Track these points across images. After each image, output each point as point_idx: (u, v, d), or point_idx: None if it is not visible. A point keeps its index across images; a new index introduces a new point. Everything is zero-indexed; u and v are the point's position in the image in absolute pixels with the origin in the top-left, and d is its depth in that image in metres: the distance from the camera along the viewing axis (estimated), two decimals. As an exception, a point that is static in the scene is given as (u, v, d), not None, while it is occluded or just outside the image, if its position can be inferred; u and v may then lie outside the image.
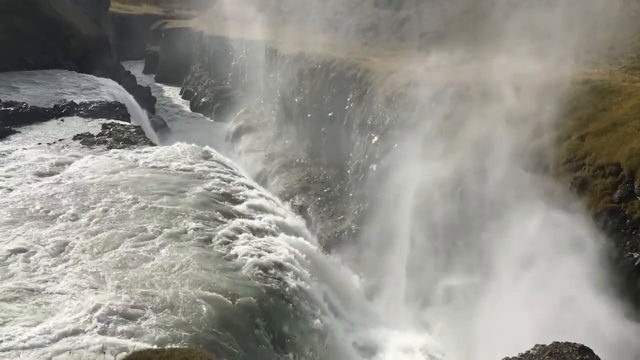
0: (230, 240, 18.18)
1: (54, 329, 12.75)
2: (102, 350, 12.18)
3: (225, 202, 21.27)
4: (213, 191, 21.85)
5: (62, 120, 31.73)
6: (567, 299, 15.65)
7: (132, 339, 12.68)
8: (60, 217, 18.62)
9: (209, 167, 24.62)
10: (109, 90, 42.34)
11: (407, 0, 44.00)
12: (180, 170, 23.72)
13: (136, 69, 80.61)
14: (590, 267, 15.89)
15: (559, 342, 11.03)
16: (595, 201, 17.04)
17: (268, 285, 16.37)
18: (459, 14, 37.12)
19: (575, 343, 10.96)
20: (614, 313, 14.98)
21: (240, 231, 19.02)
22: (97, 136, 28.02)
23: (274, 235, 19.88)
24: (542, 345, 11.13)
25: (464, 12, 36.76)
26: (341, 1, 49.90)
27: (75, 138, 27.60)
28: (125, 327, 13.02)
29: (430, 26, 38.70)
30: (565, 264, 16.28)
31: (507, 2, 32.06)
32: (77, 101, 35.41)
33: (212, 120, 60.37)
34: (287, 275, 17.42)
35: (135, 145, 26.91)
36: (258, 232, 19.50)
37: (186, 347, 12.70)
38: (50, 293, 14.36)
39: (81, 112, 33.16)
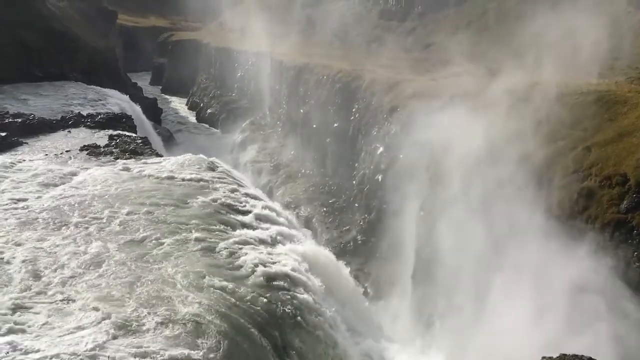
0: (236, 251, 18.15)
1: (58, 340, 12.75)
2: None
3: (231, 213, 21.27)
4: (219, 202, 21.85)
5: (69, 131, 31.89)
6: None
7: (138, 350, 12.65)
8: (66, 227, 18.66)
9: (215, 178, 24.63)
10: (116, 101, 42.57)
11: (412, 12, 44.18)
12: (186, 181, 23.75)
13: (143, 81, 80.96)
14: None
15: (566, 355, 10.95)
16: (602, 212, 16.95)
17: (274, 295, 16.33)
18: (464, 25, 37.23)
19: (582, 355, 10.87)
20: None
21: (246, 242, 18.99)
22: (103, 147, 28.11)
23: (279, 245, 19.84)
24: (549, 358, 11.05)
25: (468, 23, 36.88)
26: (346, 13, 50.14)
27: (82, 149, 27.70)
28: (130, 338, 13.00)
29: (435, 37, 38.82)
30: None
31: (513, 14, 32.17)
32: (84, 112, 35.60)
33: (218, 131, 60.55)
34: (292, 285, 17.36)
35: (141, 157, 26.98)
36: (264, 242, 19.47)
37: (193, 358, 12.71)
38: (56, 303, 14.37)
39: (88, 124, 33.32)
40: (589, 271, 16.07)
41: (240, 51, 59.60)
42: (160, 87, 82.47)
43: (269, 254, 18.57)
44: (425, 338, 22.17)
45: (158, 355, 12.58)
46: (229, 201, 22.20)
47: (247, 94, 59.21)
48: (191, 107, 71.65)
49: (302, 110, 42.26)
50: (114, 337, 13.00)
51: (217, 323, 14.05)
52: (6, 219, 19.09)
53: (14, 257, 16.44)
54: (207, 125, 63.66)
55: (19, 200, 21.00)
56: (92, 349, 12.48)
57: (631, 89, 21.60)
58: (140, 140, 30.17)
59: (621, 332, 14.84)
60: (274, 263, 17.92)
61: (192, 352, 12.96)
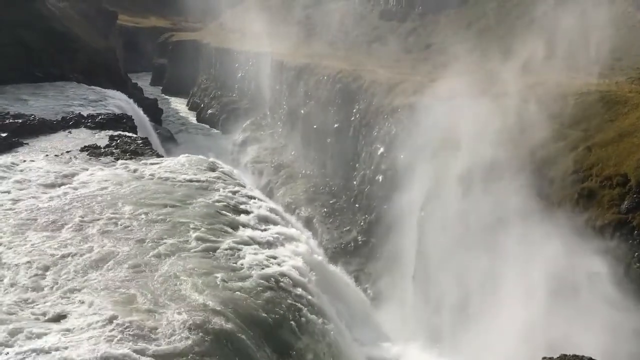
0: (236, 252, 18.15)
1: (57, 342, 12.77)
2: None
3: (231, 214, 21.26)
4: (219, 203, 21.85)
5: (69, 132, 31.86)
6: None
7: (138, 352, 12.65)
8: (67, 228, 18.65)
9: (215, 178, 24.64)
10: (116, 102, 42.54)
11: (412, 12, 44.19)
12: (187, 181, 23.75)
13: (143, 81, 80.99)
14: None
15: (566, 355, 10.95)
16: (603, 212, 16.95)
17: (274, 296, 16.32)
18: (464, 26, 37.22)
19: (583, 356, 10.87)
20: None
21: (246, 243, 18.99)
22: (104, 148, 28.10)
23: (280, 246, 19.84)
24: (550, 358, 11.05)
25: (469, 24, 36.87)
26: (347, 13, 50.16)
27: (82, 150, 27.68)
28: (130, 341, 13.00)
29: (435, 38, 38.82)
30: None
31: (513, 14, 32.17)
32: (85, 113, 35.55)
33: (218, 132, 60.58)
34: (292, 286, 17.36)
35: (142, 157, 26.97)
36: (264, 243, 19.47)
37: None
38: (56, 305, 14.37)
39: (88, 124, 33.28)
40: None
41: (241, 51, 59.64)
42: (161, 87, 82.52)
43: (269, 254, 18.57)
44: (427, 338, 22.15)
45: (157, 357, 12.61)
46: (229, 202, 22.20)
47: (247, 95, 59.25)
48: (192, 107, 71.69)
49: (302, 111, 42.27)
50: (112, 338, 13.00)
51: (217, 324, 14.04)
52: (7, 220, 19.09)
53: (18, 259, 16.44)
54: (207, 126, 63.70)
55: (19, 201, 21.01)
56: (89, 350, 12.49)
57: (632, 89, 21.62)
58: (140, 141, 30.13)
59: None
60: (273, 264, 17.92)
61: (191, 353, 12.96)
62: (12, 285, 15.15)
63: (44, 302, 14.44)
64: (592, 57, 23.79)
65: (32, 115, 33.23)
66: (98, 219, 19.42)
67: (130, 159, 26.57)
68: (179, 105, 74.02)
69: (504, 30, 29.85)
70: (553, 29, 25.98)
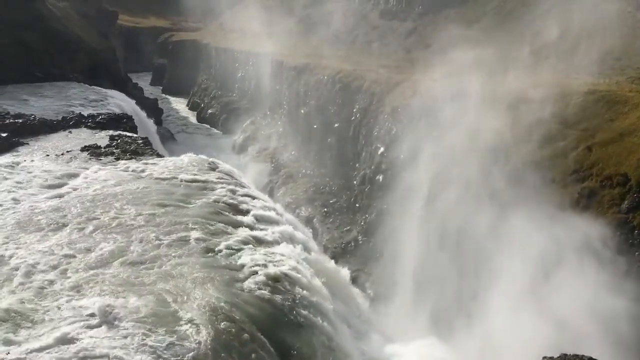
0: (236, 251, 18.16)
1: (55, 341, 12.81)
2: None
3: (231, 213, 21.27)
4: (219, 202, 21.86)
5: (69, 132, 31.89)
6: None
7: (137, 352, 12.66)
8: (67, 228, 18.67)
9: (216, 178, 24.65)
10: (117, 102, 42.59)
11: (412, 12, 44.18)
12: (187, 181, 23.76)
13: (143, 81, 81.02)
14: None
15: (567, 355, 10.96)
16: (603, 212, 16.97)
17: (274, 296, 16.33)
18: (464, 25, 37.18)
19: (583, 355, 10.88)
20: None
21: (246, 242, 19.00)
22: (104, 148, 28.13)
23: (280, 246, 19.84)
24: (550, 358, 11.06)
25: (469, 23, 36.84)
26: (347, 13, 50.12)
27: (82, 150, 27.72)
28: (129, 340, 13.01)
29: (435, 37, 38.76)
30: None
31: (514, 14, 32.16)
32: (85, 113, 35.62)
33: (218, 132, 60.60)
34: (293, 286, 17.36)
35: (142, 157, 26.99)
36: (264, 243, 19.48)
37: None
38: (54, 305, 14.38)
39: (89, 124, 33.33)
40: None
41: (241, 51, 59.62)
42: (161, 87, 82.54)
43: (268, 254, 18.58)
44: (427, 337, 22.16)
45: (156, 357, 12.62)
46: (229, 201, 22.21)
47: (247, 94, 59.24)
48: (192, 107, 71.68)
49: (302, 111, 42.28)
50: (111, 338, 13.01)
51: (217, 323, 14.06)
52: (7, 220, 19.11)
53: (23, 259, 16.44)
54: (207, 126, 63.69)
55: (20, 201, 21.02)
56: (87, 349, 12.50)
57: (632, 89, 21.61)
58: (141, 141, 30.16)
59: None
60: (273, 263, 17.92)
61: (192, 352, 12.97)
62: (22, 285, 15.16)
63: (53, 303, 14.45)
64: (593, 56, 23.78)
65: (32, 115, 33.28)
66: (97, 219, 19.44)
67: (131, 158, 26.59)
68: (179, 105, 74.02)
69: (504, 30, 29.81)
70: (553, 28, 25.97)
